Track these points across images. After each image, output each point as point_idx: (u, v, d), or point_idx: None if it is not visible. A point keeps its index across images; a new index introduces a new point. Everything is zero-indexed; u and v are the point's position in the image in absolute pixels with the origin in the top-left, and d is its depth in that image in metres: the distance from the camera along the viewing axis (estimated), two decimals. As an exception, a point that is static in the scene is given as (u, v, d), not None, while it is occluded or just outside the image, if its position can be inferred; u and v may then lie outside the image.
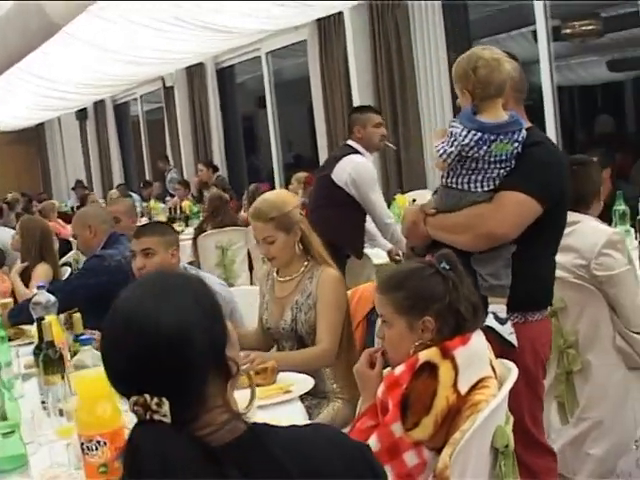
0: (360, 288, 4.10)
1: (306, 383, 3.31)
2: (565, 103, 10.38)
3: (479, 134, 3.11)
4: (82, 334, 3.21)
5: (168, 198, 12.89)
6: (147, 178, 16.86)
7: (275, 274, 4.06)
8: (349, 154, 5.90)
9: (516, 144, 3.16)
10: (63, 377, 3.09)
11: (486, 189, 3.18)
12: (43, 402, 3.12)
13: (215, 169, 12.27)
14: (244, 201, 9.50)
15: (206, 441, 1.64)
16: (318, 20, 10.94)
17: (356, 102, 10.43)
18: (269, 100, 13.14)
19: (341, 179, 5.82)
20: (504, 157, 3.15)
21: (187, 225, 9.70)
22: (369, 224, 6.04)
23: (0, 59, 11.49)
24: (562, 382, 4.04)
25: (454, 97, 9.37)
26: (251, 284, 8.30)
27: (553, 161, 3.27)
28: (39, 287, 3.73)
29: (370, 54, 10.31)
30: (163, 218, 10.70)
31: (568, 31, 11.98)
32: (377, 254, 6.31)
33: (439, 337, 2.57)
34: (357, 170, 5.82)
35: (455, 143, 3.13)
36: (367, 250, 6.21)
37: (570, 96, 14.05)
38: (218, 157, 14.26)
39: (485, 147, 3.11)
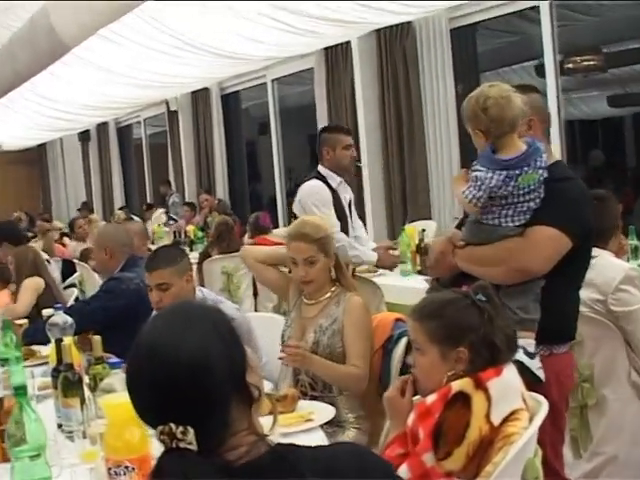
0: (377, 317, 4.08)
1: (327, 412, 3.30)
2: (568, 137, 10.39)
3: (504, 172, 3.13)
4: (101, 357, 3.19)
5: (171, 222, 12.87)
6: (149, 201, 16.83)
7: (303, 296, 4.07)
8: (308, 180, 5.90)
9: (540, 171, 3.17)
10: (82, 400, 3.07)
11: (517, 224, 3.19)
12: (60, 425, 3.09)
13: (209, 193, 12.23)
14: (247, 227, 9.48)
15: (231, 464, 1.70)
16: (325, 48, 10.96)
17: (362, 130, 10.46)
18: (273, 127, 13.15)
19: (295, 207, 5.88)
20: (532, 187, 3.16)
21: (192, 250, 9.67)
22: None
23: (9, 78, 11.50)
24: (576, 416, 4.03)
25: (461, 128, 9.42)
26: (255, 310, 8.29)
27: (583, 197, 3.30)
28: (56, 308, 3.71)
29: (377, 83, 10.32)
30: (167, 242, 10.68)
31: (570, 66, 12.07)
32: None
33: (471, 368, 2.56)
34: (303, 192, 5.83)
35: (483, 187, 3.15)
36: (377, 279, 6.18)
37: (571, 130, 14.11)
38: (221, 182, 14.24)
39: (512, 183, 3.13)
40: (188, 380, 1.68)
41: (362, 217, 8.07)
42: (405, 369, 3.75)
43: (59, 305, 3.68)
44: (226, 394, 1.72)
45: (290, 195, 12.70)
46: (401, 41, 9.89)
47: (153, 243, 11.06)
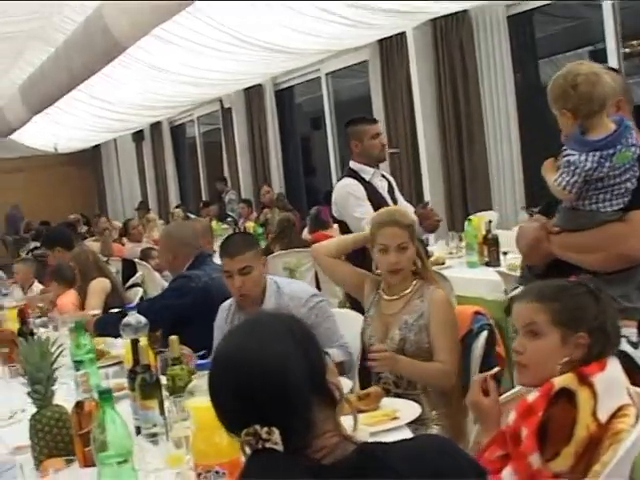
0: (455, 310, 3.96)
1: (412, 410, 3.19)
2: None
3: (597, 153, 3.01)
4: (179, 358, 3.12)
5: (230, 219, 12.80)
6: (204, 199, 16.83)
7: (381, 291, 3.98)
8: (340, 179, 5.84)
9: (633, 148, 3.06)
10: (161, 402, 3.00)
11: (615, 208, 3.07)
12: (138, 427, 3.02)
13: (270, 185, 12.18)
14: (307, 222, 9.40)
15: (319, 463, 1.73)
16: (380, 40, 10.84)
17: (419, 122, 10.34)
18: (328, 121, 13.06)
19: (333, 208, 5.84)
20: (627, 166, 3.04)
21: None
22: None
23: (64, 81, 11.54)
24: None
25: (520, 116, 9.30)
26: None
27: None
28: (129, 308, 3.64)
29: (433, 73, 10.20)
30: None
31: (627, 50, 11.82)
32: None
33: (586, 357, 2.45)
34: (336, 193, 5.76)
35: (577, 171, 3.03)
36: (443, 272, 6.06)
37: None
38: (277, 178, 14.19)
39: (607, 163, 3.01)
40: (267, 383, 1.74)
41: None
42: (485, 364, 3.66)
43: (132, 305, 3.62)
44: (307, 395, 1.77)
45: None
46: (457, 30, 9.75)
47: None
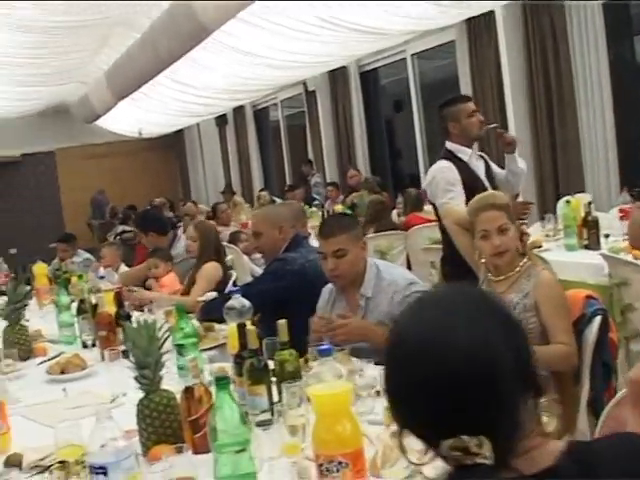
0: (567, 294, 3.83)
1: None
2: None
3: None
4: (287, 342, 3.04)
5: (316, 202, 12.73)
6: (287, 182, 16.80)
7: (489, 273, 3.92)
8: (438, 161, 5.67)
9: None
10: (269, 387, 2.93)
11: None
12: (245, 413, 2.95)
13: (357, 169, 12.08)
14: (398, 204, 9.31)
15: (529, 473, 1.43)
16: (467, 20, 10.65)
17: (509, 103, 10.15)
18: (414, 103, 12.90)
19: (427, 189, 5.75)
20: None
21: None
22: None
23: (150, 66, 11.58)
24: None
25: (615, 96, 9.05)
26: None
27: None
28: (233, 292, 3.58)
29: (524, 53, 9.99)
30: (316, 222, 10.57)
31: None
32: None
33: None
34: (430, 175, 5.60)
35: None
36: (544, 255, 5.91)
37: None
38: (362, 161, 14.09)
39: None
40: (476, 377, 1.42)
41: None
42: (599, 351, 3.53)
43: (236, 288, 3.55)
44: (516, 391, 1.46)
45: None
46: (548, 7, 9.51)
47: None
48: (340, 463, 2.09)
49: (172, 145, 23.69)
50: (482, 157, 5.79)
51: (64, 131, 21.02)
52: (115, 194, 22.17)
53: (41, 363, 4.61)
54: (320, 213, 11.04)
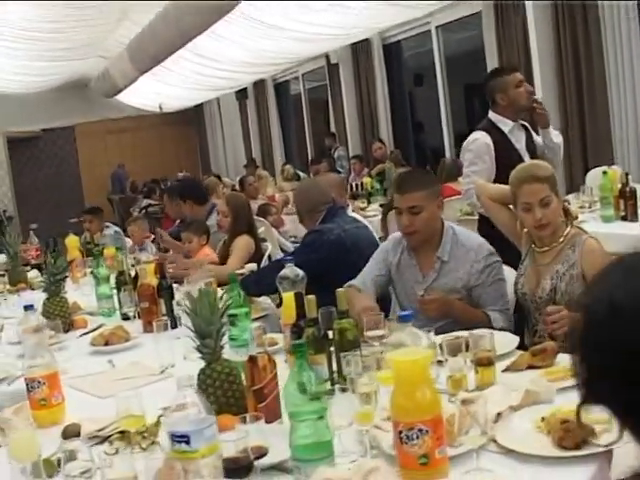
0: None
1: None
2: None
3: None
4: (345, 311, 2.99)
5: (341, 175, 12.66)
6: (310, 156, 16.72)
7: (533, 244, 3.90)
8: (476, 130, 5.60)
9: None
10: (329, 356, 2.89)
11: None
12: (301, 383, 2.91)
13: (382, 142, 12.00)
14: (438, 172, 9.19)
15: None
16: (495, -10, 10.55)
17: (537, 75, 10.04)
18: (439, 76, 12.78)
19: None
20: None
21: (369, 202, 9.45)
22: None
23: (174, 39, 11.53)
24: None
25: (647, 66, 8.93)
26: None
27: None
28: (286, 260, 3.54)
29: (552, 23, 9.85)
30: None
31: None
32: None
33: None
34: (463, 146, 5.60)
35: None
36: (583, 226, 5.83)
37: None
38: (385, 134, 14.02)
39: None
40: None
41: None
42: None
43: (289, 257, 3.51)
44: None
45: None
46: (578, -23, 9.39)
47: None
48: (420, 430, 2.06)
49: (191, 119, 23.65)
50: (524, 127, 5.71)
51: (83, 106, 20.94)
52: (134, 169, 22.19)
53: (82, 335, 4.59)
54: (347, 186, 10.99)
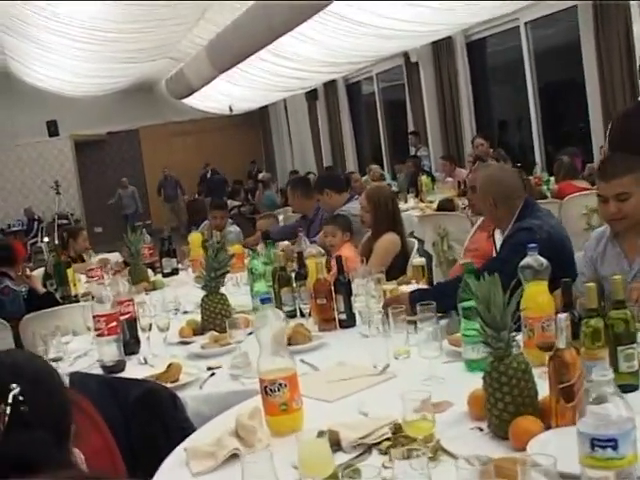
0: None
1: None
2: None
3: None
4: (622, 301, 2.73)
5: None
6: (385, 157, 16.48)
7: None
8: None
9: None
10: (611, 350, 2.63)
11: None
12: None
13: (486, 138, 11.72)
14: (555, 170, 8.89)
15: None
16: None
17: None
18: (528, 73, 12.49)
19: None
20: None
21: (470, 200, 9.16)
22: None
23: (263, 35, 11.34)
24: None
25: None
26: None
27: None
28: (530, 248, 3.28)
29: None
30: (452, 193, 10.28)
31: None
32: None
33: None
34: None
35: None
36: None
37: None
38: (469, 133, 13.75)
39: None
40: None
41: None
42: None
43: (534, 245, 3.24)
44: None
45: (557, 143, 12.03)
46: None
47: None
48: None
49: (256, 122, 23.53)
50: None
51: (148, 109, 20.94)
52: (199, 172, 22.14)
53: (251, 334, 4.35)
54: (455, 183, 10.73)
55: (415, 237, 7.58)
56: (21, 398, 1.73)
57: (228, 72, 14.37)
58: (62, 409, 1.91)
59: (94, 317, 4.16)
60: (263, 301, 3.46)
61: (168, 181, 21.85)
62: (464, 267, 3.34)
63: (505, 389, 2.40)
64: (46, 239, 18.24)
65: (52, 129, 20.52)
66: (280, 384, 2.73)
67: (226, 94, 17.40)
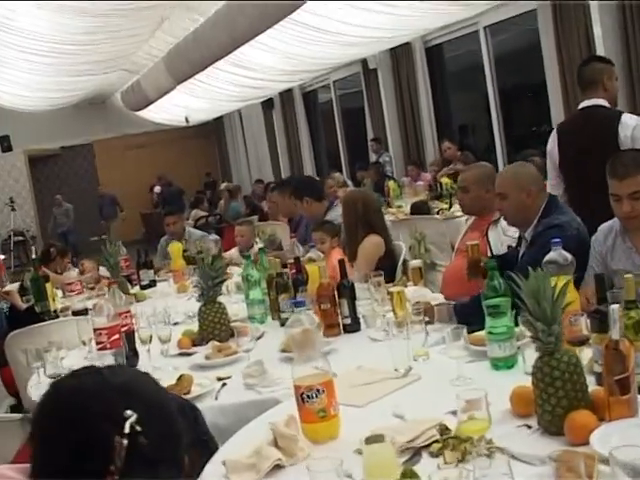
0: None
1: None
2: None
3: None
4: (634, 301, 2.71)
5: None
6: (343, 165, 16.45)
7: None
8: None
9: None
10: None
11: None
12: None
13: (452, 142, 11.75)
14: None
15: None
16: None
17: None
18: (488, 77, 12.49)
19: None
20: None
21: (452, 204, 9.11)
22: None
23: (222, 46, 11.26)
24: None
25: None
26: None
27: None
28: (555, 243, 3.25)
29: (618, 18, 9.62)
30: (423, 197, 10.27)
31: None
32: None
33: None
34: (631, 123, 5.09)
35: None
36: None
37: None
38: (430, 138, 13.77)
39: None
40: None
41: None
42: None
43: (558, 240, 3.22)
44: None
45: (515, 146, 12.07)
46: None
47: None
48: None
49: (210, 132, 23.40)
50: None
51: (101, 122, 20.72)
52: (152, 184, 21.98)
53: (259, 339, 4.28)
54: (427, 186, 10.75)
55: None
56: (138, 428, 1.53)
57: (185, 83, 14.26)
58: (178, 438, 1.71)
59: (95, 330, 4.07)
60: (297, 305, 3.39)
61: (104, 199, 21.43)
62: (486, 265, 3.29)
63: (558, 384, 2.38)
64: (2, 256, 17.93)
65: (5, 144, 20.21)
66: (318, 390, 2.65)
67: (182, 105, 17.28)
